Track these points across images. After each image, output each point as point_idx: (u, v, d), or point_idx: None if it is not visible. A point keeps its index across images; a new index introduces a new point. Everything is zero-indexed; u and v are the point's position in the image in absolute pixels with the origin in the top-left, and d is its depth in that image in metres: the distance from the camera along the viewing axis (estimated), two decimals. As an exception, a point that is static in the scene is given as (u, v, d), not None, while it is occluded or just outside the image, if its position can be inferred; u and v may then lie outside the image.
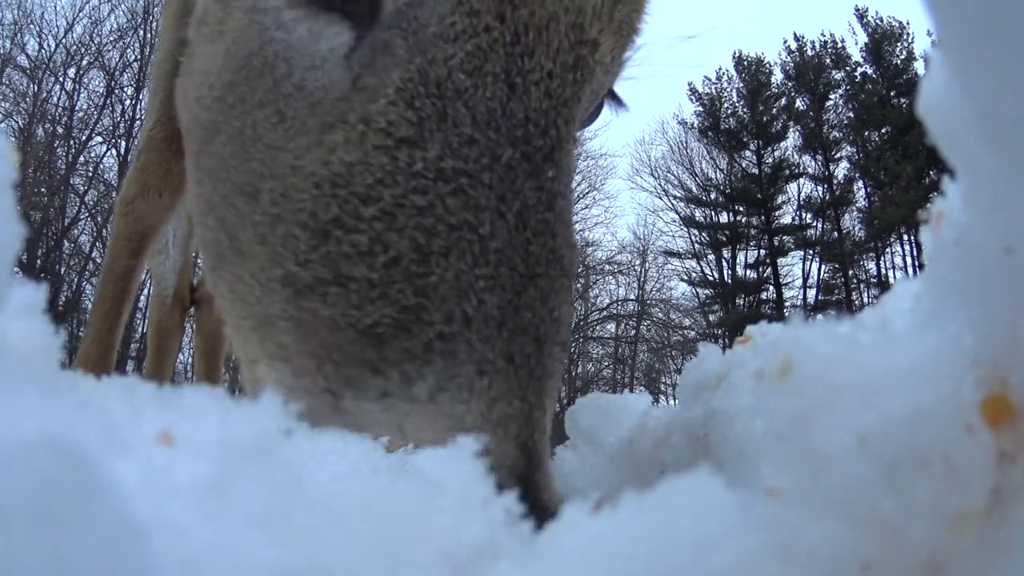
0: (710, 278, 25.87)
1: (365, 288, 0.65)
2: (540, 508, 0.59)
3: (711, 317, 25.38)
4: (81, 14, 20.18)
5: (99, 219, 19.12)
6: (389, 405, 0.63)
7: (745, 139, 26.50)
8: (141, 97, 19.13)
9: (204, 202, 0.85)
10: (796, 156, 26.32)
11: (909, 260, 23.67)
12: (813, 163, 26.04)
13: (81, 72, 20.40)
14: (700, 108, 26.74)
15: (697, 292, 25.73)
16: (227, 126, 0.83)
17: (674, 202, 26.02)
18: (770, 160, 26.34)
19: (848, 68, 26.00)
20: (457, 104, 0.71)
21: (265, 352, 0.72)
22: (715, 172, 26.34)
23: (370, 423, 0.63)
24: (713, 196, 26.25)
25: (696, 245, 26.14)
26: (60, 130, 20.29)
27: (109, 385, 0.47)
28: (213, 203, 0.83)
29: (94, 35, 20.37)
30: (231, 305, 0.78)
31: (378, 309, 0.64)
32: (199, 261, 2.82)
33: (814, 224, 25.98)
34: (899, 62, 25.05)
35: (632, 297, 24.22)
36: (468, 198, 0.67)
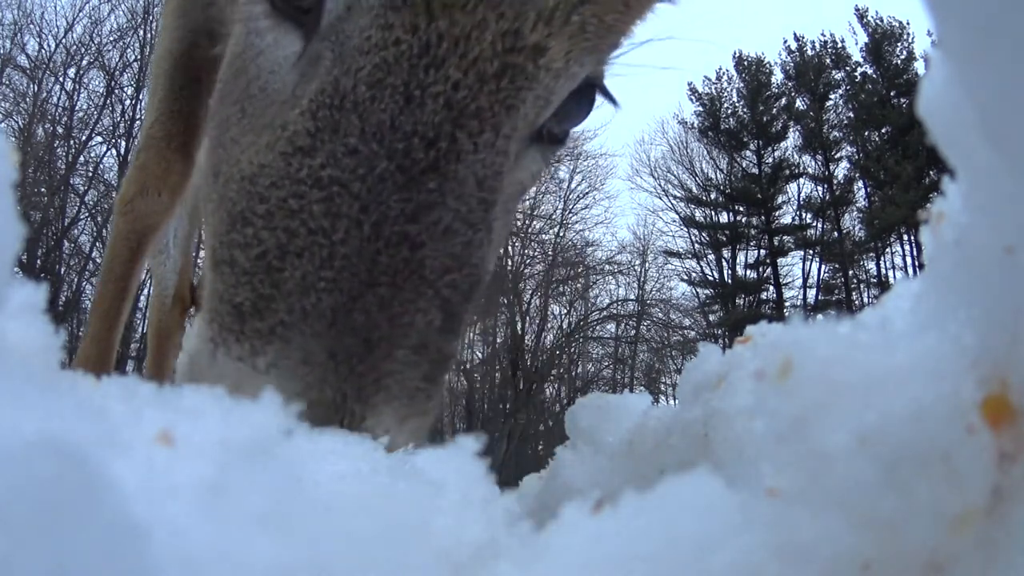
0: (710, 278, 25.86)
1: (240, 273, 0.76)
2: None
3: (711, 317, 25.37)
4: (81, 14, 20.18)
5: (99, 219, 19.12)
6: (239, 368, 0.73)
7: (745, 139, 26.49)
8: (141, 97, 19.12)
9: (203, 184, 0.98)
10: (796, 156, 26.32)
11: (909, 260, 23.67)
12: (813, 163, 26.04)
13: (81, 72, 20.41)
14: (700, 108, 26.74)
15: (697, 292, 25.73)
16: (216, 116, 0.93)
17: (674, 202, 26.02)
18: (770, 160, 26.34)
19: (848, 68, 25.99)
20: (352, 116, 0.76)
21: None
22: (715, 172, 26.34)
23: (224, 377, 0.73)
24: (713, 196, 26.25)
25: (696, 245, 26.14)
26: (60, 130, 20.29)
27: (109, 385, 0.47)
28: (204, 185, 0.94)
29: (94, 35, 20.37)
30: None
31: (244, 291, 0.75)
32: (199, 261, 2.82)
33: (814, 224, 25.98)
34: (899, 62, 25.04)
35: (632, 297, 24.21)
36: (332, 205, 0.74)
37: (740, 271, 26.08)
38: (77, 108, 20.46)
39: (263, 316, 0.74)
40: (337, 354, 0.72)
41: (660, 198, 25.86)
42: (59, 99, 20.47)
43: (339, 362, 0.72)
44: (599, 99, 1.03)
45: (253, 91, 0.87)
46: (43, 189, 19.18)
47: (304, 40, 0.85)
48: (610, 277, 23.48)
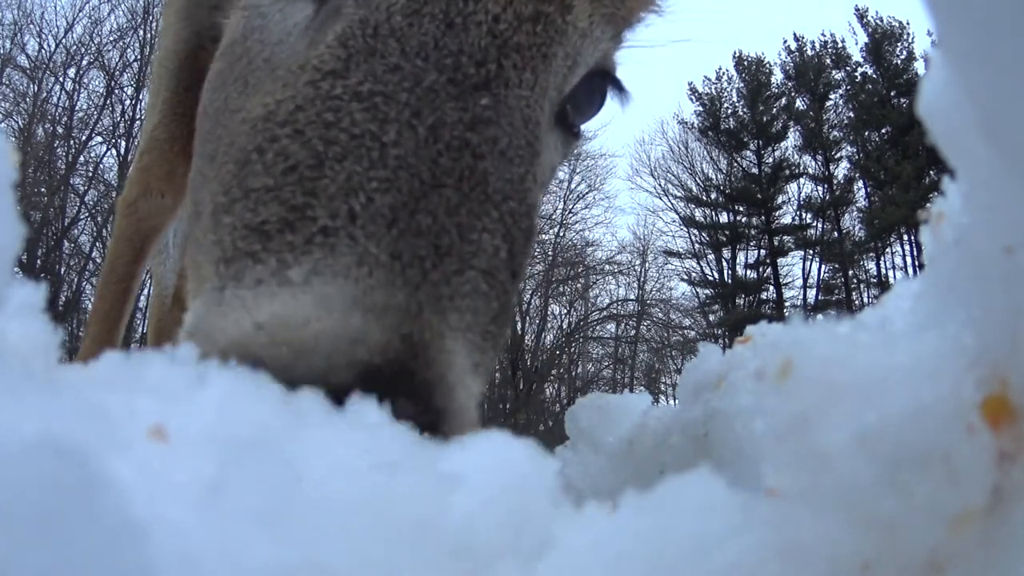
0: (710, 278, 25.86)
1: (262, 194, 0.65)
2: (425, 408, 0.56)
3: (711, 317, 25.37)
4: (81, 14, 20.18)
5: (99, 219, 19.12)
6: (261, 291, 0.59)
7: (745, 139, 26.49)
8: (141, 97, 19.12)
9: (192, 179, 0.88)
10: (796, 156, 26.32)
11: (909, 260, 23.67)
12: (813, 163, 26.04)
13: (81, 72, 20.41)
14: (700, 108, 26.74)
15: (697, 292, 25.73)
16: (208, 109, 0.87)
17: (674, 202, 26.02)
18: (770, 160, 26.33)
19: (848, 68, 25.99)
20: (389, 40, 0.72)
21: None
22: (715, 172, 26.34)
23: (237, 307, 0.59)
24: (713, 196, 26.25)
25: (696, 245, 26.14)
26: (60, 130, 20.29)
27: (105, 368, 0.47)
28: (191, 185, 0.87)
29: (94, 35, 20.37)
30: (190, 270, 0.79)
31: (268, 209, 0.64)
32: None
33: (814, 224, 25.98)
34: (899, 62, 25.04)
35: (632, 297, 24.22)
36: (377, 112, 0.67)
37: (740, 271, 26.09)
38: (77, 108, 20.47)
39: (295, 228, 0.62)
40: (403, 255, 0.61)
41: (660, 198, 25.87)
42: (59, 99, 20.48)
43: (406, 264, 0.61)
44: (609, 96, 1.04)
45: (256, 64, 0.82)
46: (43, 189, 19.17)
47: (315, 3, 0.81)
48: (610, 277, 23.49)
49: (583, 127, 1.02)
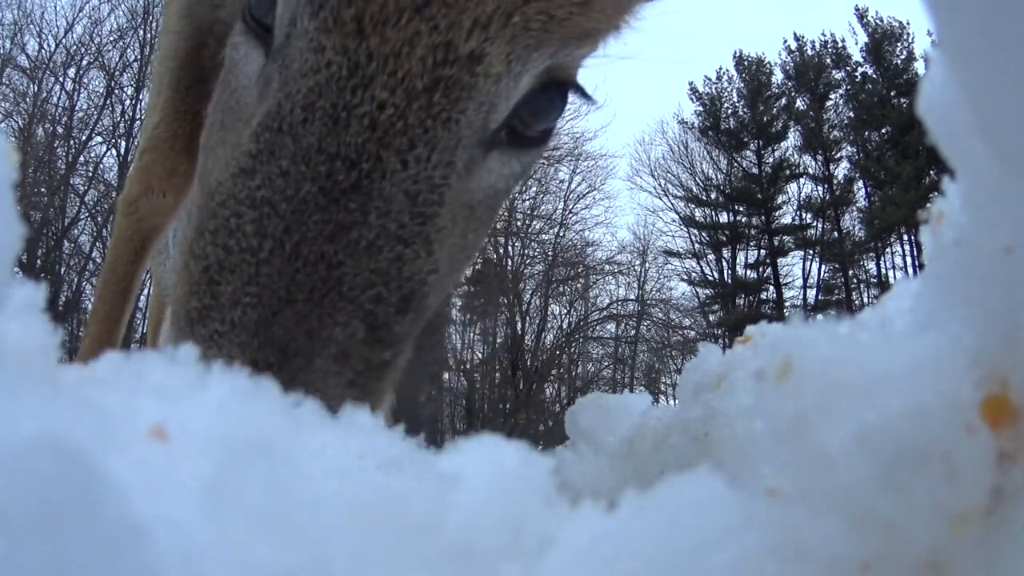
0: (710, 278, 25.85)
1: (193, 282, 0.83)
2: None
3: (711, 317, 25.36)
4: (81, 14, 20.17)
5: (99, 219, 19.12)
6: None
7: (745, 139, 26.47)
8: (141, 97, 19.12)
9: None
10: (796, 156, 26.30)
11: (909, 260, 23.66)
12: (813, 163, 26.03)
13: (81, 72, 20.40)
14: (700, 108, 26.72)
15: (697, 292, 25.72)
16: (207, 121, 1.00)
17: (674, 202, 26.00)
18: (770, 160, 26.32)
19: (848, 68, 25.97)
20: (287, 139, 0.81)
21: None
22: (715, 172, 26.32)
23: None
24: (713, 196, 26.23)
25: (696, 245, 26.12)
26: (60, 130, 20.29)
27: (105, 368, 0.47)
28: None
29: (94, 35, 20.36)
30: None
31: (193, 299, 0.82)
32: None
33: (814, 224, 25.96)
34: (899, 62, 25.02)
35: (632, 297, 24.20)
36: (261, 225, 0.80)
37: (740, 271, 26.07)
38: (77, 108, 20.46)
39: (204, 324, 0.80)
40: (258, 362, 0.77)
41: (660, 198, 25.86)
42: (59, 99, 20.47)
43: (259, 370, 0.75)
44: (593, 99, 1.03)
45: (230, 103, 0.93)
46: (43, 189, 19.17)
47: (263, 59, 0.91)
48: (610, 277, 23.49)
49: (555, 127, 1.01)
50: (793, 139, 26.34)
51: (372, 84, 0.80)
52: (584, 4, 0.89)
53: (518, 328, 21.21)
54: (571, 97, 1.00)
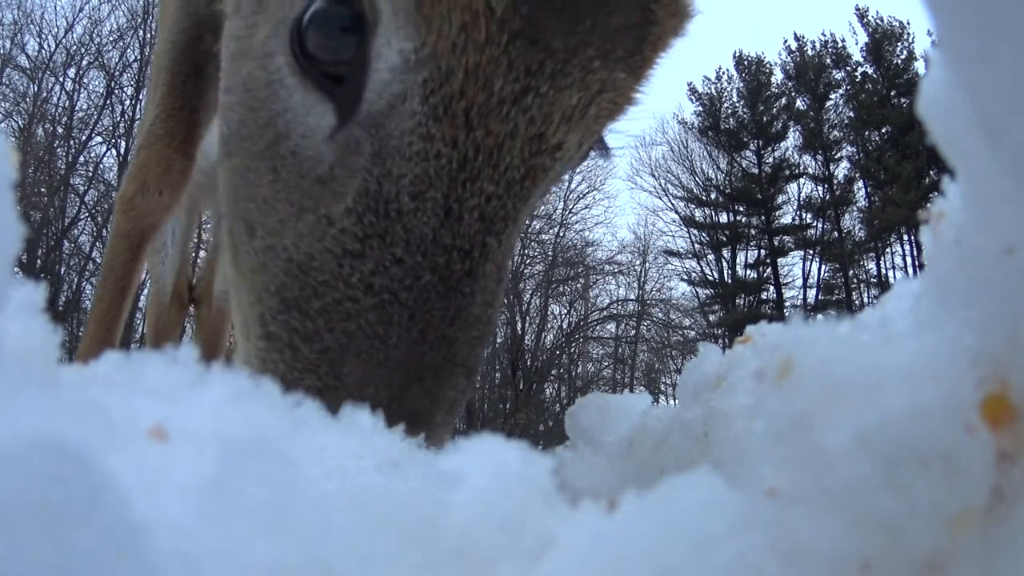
0: (710, 278, 25.86)
1: (303, 360, 0.84)
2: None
3: (711, 317, 25.37)
4: (81, 14, 20.17)
5: (99, 219, 19.12)
6: None
7: (745, 139, 26.48)
8: (141, 97, 19.10)
9: (224, 196, 1.00)
10: (796, 156, 26.32)
11: (909, 260, 23.67)
12: (813, 163, 26.04)
13: (81, 72, 20.40)
14: (700, 108, 26.73)
15: (697, 292, 25.73)
16: (237, 155, 0.95)
17: (674, 202, 26.02)
18: (770, 160, 26.33)
19: (848, 68, 25.99)
20: (397, 226, 0.82)
21: (245, 334, 0.93)
22: (715, 172, 26.33)
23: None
24: (713, 196, 26.24)
25: (696, 245, 26.13)
26: (60, 130, 20.28)
27: (104, 368, 0.47)
28: (229, 206, 0.98)
29: (94, 35, 20.37)
30: (236, 288, 0.97)
31: (307, 380, 0.83)
32: (197, 259, 2.82)
33: (814, 224, 25.97)
34: (899, 62, 25.03)
35: (632, 297, 24.21)
36: (385, 313, 0.82)
37: (740, 271, 26.09)
38: (77, 108, 20.46)
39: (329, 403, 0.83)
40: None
41: (660, 198, 25.87)
42: (59, 99, 20.48)
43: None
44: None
45: (283, 152, 0.89)
46: (43, 189, 19.17)
47: (338, 117, 0.87)
48: (610, 277, 23.49)
49: None
50: (793, 139, 26.38)
51: (480, 177, 0.83)
52: (637, 87, 0.94)
53: (518, 328, 21.21)
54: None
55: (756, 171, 26.14)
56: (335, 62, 0.87)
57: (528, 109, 0.83)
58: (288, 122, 0.89)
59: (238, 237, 0.94)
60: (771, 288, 25.77)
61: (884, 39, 25.21)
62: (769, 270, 25.86)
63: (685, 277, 25.66)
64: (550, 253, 21.95)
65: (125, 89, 20.47)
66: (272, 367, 0.87)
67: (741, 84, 26.81)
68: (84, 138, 20.16)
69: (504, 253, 0.89)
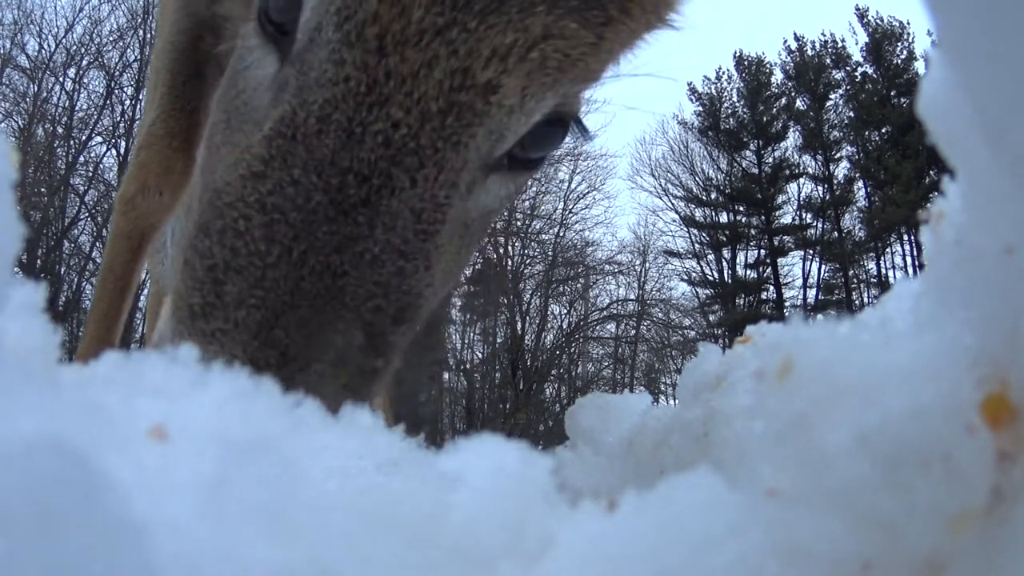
0: (710, 278, 25.84)
1: (195, 279, 0.84)
2: None
3: (711, 317, 25.36)
4: (81, 14, 20.16)
5: (99, 219, 19.12)
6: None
7: (745, 139, 26.47)
8: (141, 97, 19.10)
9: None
10: (796, 156, 26.30)
11: (909, 260, 23.65)
12: (813, 163, 26.02)
13: (81, 72, 20.40)
14: (700, 108, 26.72)
15: (697, 292, 25.71)
16: (211, 118, 1.01)
17: (674, 202, 26.01)
18: (770, 160, 26.32)
19: (848, 68, 25.97)
20: (300, 148, 0.83)
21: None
22: (715, 172, 26.32)
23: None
24: (713, 196, 26.23)
25: (696, 245, 26.12)
26: (60, 130, 20.29)
27: (105, 368, 0.47)
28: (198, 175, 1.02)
29: (94, 35, 20.36)
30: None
31: (195, 295, 0.83)
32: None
33: (814, 224, 25.95)
34: (899, 62, 25.02)
35: (632, 297, 24.20)
36: (269, 231, 0.81)
37: (740, 271, 26.07)
38: (77, 108, 20.46)
39: (207, 320, 0.82)
40: (257, 361, 0.79)
41: (660, 198, 25.86)
42: (59, 99, 20.47)
43: (258, 369, 0.77)
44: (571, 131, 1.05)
45: (238, 104, 0.93)
46: (43, 189, 19.17)
47: (279, 63, 0.91)
48: (610, 277, 23.49)
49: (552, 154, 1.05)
50: (793, 139, 26.36)
51: (388, 103, 0.82)
52: (595, 45, 0.90)
53: (518, 328, 21.22)
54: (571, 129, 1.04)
55: (756, 171, 26.13)
56: (288, 20, 0.90)
57: (452, 42, 0.82)
58: (245, 78, 0.94)
59: (196, 195, 0.97)
60: (771, 288, 25.77)
61: (884, 39, 25.20)
62: (769, 270, 25.86)
63: (685, 277, 25.65)
64: (550, 253, 21.95)
65: (125, 89, 20.48)
66: (177, 292, 0.87)
67: (741, 84, 26.80)
68: (84, 138, 20.17)
69: (426, 200, 0.85)
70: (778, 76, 26.68)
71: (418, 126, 0.83)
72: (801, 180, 26.10)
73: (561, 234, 22.11)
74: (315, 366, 0.81)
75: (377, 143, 0.82)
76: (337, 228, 0.81)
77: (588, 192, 22.40)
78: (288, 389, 0.77)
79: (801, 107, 26.31)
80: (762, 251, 26.12)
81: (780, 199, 26.33)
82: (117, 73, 20.37)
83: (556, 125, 0.97)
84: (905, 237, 23.62)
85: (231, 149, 0.90)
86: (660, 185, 25.79)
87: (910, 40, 24.94)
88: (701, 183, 26.19)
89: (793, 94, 26.40)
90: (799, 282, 25.79)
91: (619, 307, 23.97)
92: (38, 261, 18.57)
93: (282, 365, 0.80)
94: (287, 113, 0.84)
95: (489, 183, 0.96)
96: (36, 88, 19.92)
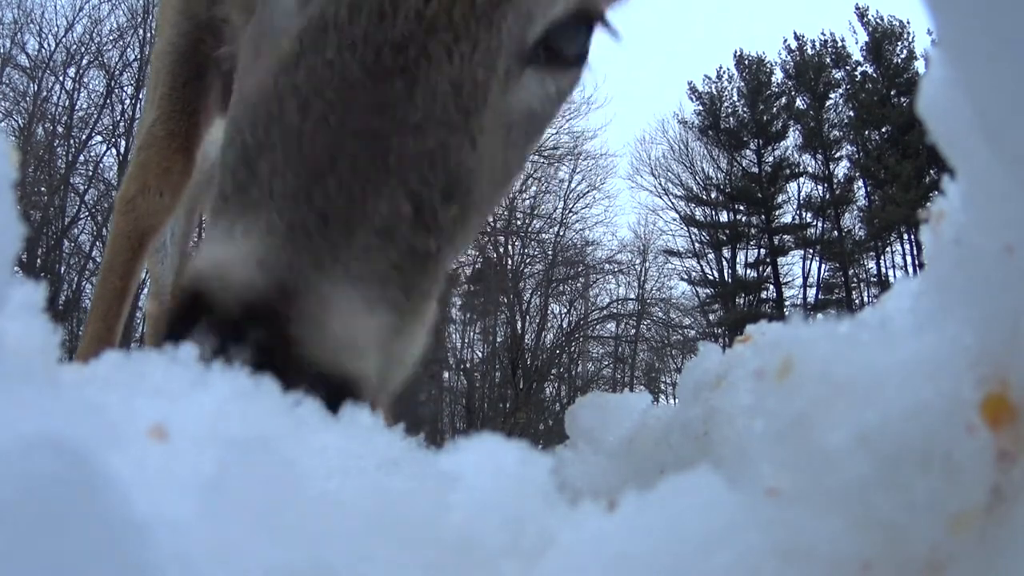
0: (710, 277, 25.86)
1: (227, 170, 0.83)
2: (285, 343, 0.70)
3: (711, 316, 25.37)
4: (81, 14, 20.16)
5: (99, 218, 19.11)
6: (218, 239, 0.79)
7: (745, 138, 26.48)
8: (141, 96, 19.08)
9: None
10: (796, 155, 26.31)
11: (909, 260, 23.66)
12: (813, 162, 26.03)
13: (81, 72, 20.39)
14: (700, 107, 26.73)
15: (697, 291, 25.72)
16: (243, 58, 1.02)
17: (674, 201, 26.01)
18: (770, 159, 26.33)
19: (848, 67, 25.98)
20: (329, 34, 0.83)
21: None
22: (715, 171, 26.33)
23: (207, 246, 0.80)
24: (713, 195, 26.24)
25: (696, 244, 26.13)
26: (60, 130, 20.29)
27: (105, 367, 0.47)
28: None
29: (94, 35, 20.36)
30: None
31: (227, 179, 0.82)
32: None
33: (814, 223, 25.97)
34: (899, 61, 25.02)
35: (632, 296, 24.21)
36: (304, 106, 0.81)
37: (740, 270, 26.08)
38: (77, 108, 20.45)
39: (241, 196, 0.81)
40: (295, 227, 0.76)
41: (660, 197, 25.86)
42: (59, 99, 20.47)
43: (297, 234, 0.76)
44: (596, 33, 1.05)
45: (265, 30, 0.95)
46: (43, 189, 19.16)
47: None
48: (610, 276, 23.49)
49: (588, 53, 1.04)
50: (793, 138, 26.37)
51: None
52: None
53: (518, 327, 21.22)
54: (599, 31, 1.05)
55: (756, 170, 26.14)
56: None
57: None
58: (273, 8, 0.95)
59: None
60: (771, 287, 25.78)
61: (884, 38, 25.21)
62: (769, 269, 25.86)
63: (685, 276, 25.67)
64: (550, 252, 21.95)
65: (125, 88, 20.48)
66: (211, 197, 0.87)
67: (741, 83, 26.81)
68: (84, 137, 20.17)
69: (464, 75, 0.86)
70: (778, 75, 26.71)
71: (449, 3, 0.85)
72: (801, 179, 26.13)
73: (561, 233, 22.11)
74: (360, 235, 0.78)
75: (410, 17, 0.83)
76: (375, 96, 0.81)
77: (588, 191, 22.40)
78: (335, 261, 0.76)
79: (801, 106, 26.32)
80: (762, 250, 26.13)
81: (780, 198, 26.34)
82: (117, 72, 20.38)
83: (583, 24, 0.99)
84: (905, 236, 23.63)
85: (261, 62, 0.90)
86: (660, 184, 25.81)
87: (910, 39, 24.96)
88: (701, 182, 26.21)
89: (793, 93, 26.41)
90: (799, 281, 25.81)
91: (619, 306, 23.97)
92: (38, 260, 18.56)
93: (324, 231, 0.77)
94: (315, 12, 0.85)
95: (526, 79, 0.97)
96: (36, 87, 19.93)
